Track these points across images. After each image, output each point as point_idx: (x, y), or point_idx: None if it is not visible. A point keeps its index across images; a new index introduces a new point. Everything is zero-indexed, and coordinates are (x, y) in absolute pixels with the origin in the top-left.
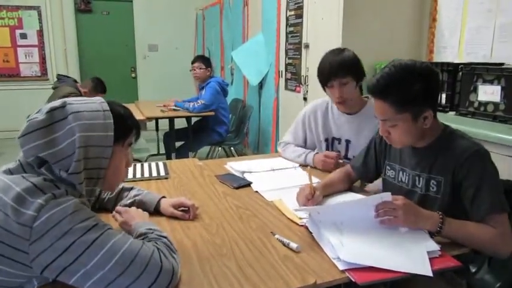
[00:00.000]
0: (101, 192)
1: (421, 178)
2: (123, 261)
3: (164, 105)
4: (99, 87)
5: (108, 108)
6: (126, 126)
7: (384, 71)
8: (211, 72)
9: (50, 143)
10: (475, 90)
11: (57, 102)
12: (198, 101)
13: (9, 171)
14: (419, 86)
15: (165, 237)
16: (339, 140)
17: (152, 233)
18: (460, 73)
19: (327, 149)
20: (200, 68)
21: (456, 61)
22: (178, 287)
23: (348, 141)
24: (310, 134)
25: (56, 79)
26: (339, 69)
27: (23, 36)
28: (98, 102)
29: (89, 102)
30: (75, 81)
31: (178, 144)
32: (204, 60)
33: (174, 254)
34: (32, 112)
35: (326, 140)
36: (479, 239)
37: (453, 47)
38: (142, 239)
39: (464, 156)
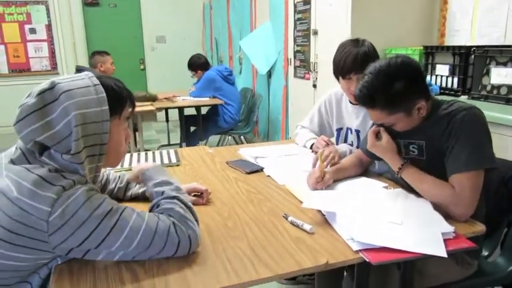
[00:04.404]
0: (109, 182)
1: (401, 144)
2: (144, 241)
3: (174, 96)
4: (102, 52)
5: (98, 82)
6: (119, 98)
7: (364, 80)
8: (202, 71)
9: (46, 126)
10: (488, 73)
11: (45, 84)
12: (192, 87)
13: (12, 162)
14: (400, 84)
15: (176, 198)
16: (351, 129)
17: (163, 196)
18: (473, 56)
19: (338, 138)
20: (193, 75)
21: (469, 44)
22: (192, 268)
23: (357, 131)
24: (326, 122)
25: (75, 70)
26: (363, 64)
27: (32, 31)
28: (86, 77)
29: (78, 79)
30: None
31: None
32: (191, 68)
33: (189, 220)
34: None
35: (339, 129)
36: (430, 193)
37: (465, 29)
38: (157, 207)
39: (447, 119)
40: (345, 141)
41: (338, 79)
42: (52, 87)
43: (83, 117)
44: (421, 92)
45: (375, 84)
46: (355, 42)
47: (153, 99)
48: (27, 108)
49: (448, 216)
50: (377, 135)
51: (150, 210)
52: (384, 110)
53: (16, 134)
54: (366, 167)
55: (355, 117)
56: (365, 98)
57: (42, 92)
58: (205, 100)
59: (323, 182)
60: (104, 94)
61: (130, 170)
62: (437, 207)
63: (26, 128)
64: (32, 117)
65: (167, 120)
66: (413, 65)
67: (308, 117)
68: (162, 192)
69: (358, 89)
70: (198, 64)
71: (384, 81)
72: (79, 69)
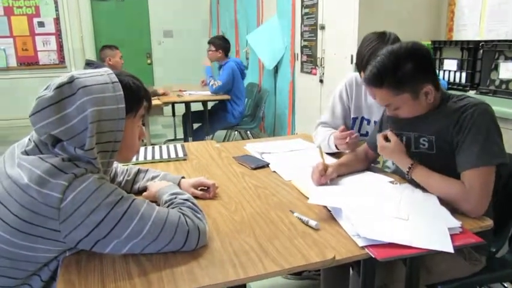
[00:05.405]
0: (117, 175)
1: (412, 137)
2: (153, 230)
3: (180, 90)
4: (112, 46)
5: (116, 79)
6: (136, 97)
7: (375, 61)
8: (223, 54)
9: (61, 120)
10: (497, 68)
11: (64, 77)
12: (216, 82)
13: (26, 153)
14: (409, 66)
15: (187, 199)
16: (368, 120)
17: (175, 198)
18: (481, 51)
19: (352, 127)
20: (210, 50)
21: (477, 39)
22: (199, 261)
23: (376, 123)
24: (349, 108)
25: (85, 64)
26: None
27: (41, 24)
28: (105, 74)
29: (97, 74)
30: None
31: (195, 126)
32: (215, 43)
33: (199, 214)
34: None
35: (354, 118)
36: (440, 192)
37: (473, 24)
38: (168, 206)
39: (458, 114)
40: (359, 131)
41: (360, 72)
42: (71, 81)
43: (99, 114)
44: (429, 75)
45: (386, 63)
46: (382, 35)
47: (154, 95)
48: (44, 101)
49: (455, 211)
50: (386, 139)
51: None
52: (390, 89)
53: (25, 127)
54: (371, 162)
55: (376, 108)
56: (374, 77)
57: (60, 86)
58: (213, 95)
59: (326, 175)
60: (122, 92)
61: (137, 164)
62: (446, 202)
63: (42, 120)
64: (48, 111)
65: (174, 115)
66: (423, 49)
67: (328, 110)
68: (175, 197)
69: (368, 70)
70: (224, 45)
71: (393, 61)
72: (88, 63)
